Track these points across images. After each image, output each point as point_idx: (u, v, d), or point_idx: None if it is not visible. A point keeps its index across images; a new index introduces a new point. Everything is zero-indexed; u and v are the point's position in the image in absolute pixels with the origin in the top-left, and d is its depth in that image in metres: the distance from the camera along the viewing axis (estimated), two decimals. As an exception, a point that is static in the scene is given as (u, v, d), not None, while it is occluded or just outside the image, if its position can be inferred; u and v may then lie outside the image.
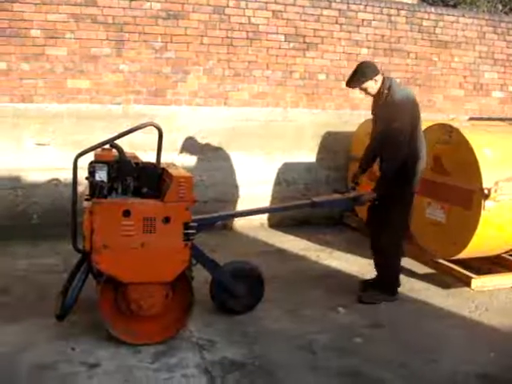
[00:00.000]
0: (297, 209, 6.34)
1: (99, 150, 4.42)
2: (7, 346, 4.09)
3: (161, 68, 7.44)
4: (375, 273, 5.52)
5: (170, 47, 7.44)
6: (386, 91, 5.07)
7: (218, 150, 7.81)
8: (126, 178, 4.22)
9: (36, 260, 6.13)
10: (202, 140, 7.69)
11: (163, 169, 4.40)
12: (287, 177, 8.21)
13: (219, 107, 7.78)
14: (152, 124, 4.35)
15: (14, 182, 6.95)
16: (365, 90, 5.16)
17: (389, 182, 5.05)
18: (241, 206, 7.90)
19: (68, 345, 4.15)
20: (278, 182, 8.17)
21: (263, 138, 8.02)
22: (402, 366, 4.10)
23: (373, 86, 5.10)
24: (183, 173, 4.35)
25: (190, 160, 7.58)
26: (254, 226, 7.89)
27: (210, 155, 7.76)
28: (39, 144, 7.02)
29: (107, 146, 4.32)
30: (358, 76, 5.09)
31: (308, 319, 4.88)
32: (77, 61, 7.07)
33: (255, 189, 7.98)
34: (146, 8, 7.27)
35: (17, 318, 4.57)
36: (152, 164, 4.39)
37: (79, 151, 4.15)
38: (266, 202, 8.06)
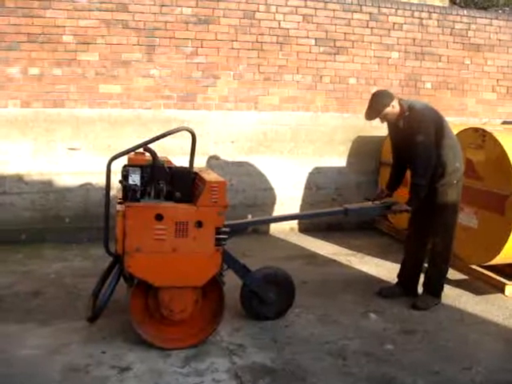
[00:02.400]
0: (329, 215, 6.29)
1: (132, 153, 4.45)
2: (39, 349, 4.13)
3: (191, 73, 7.48)
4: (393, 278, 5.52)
5: (200, 52, 7.47)
6: (407, 113, 5.08)
7: (248, 154, 7.82)
8: (159, 181, 4.22)
9: (67, 263, 6.20)
10: (232, 144, 7.71)
11: (196, 173, 4.40)
12: (317, 181, 8.18)
13: (249, 111, 7.78)
14: (186, 129, 4.35)
15: (46, 186, 7.04)
16: (384, 118, 5.15)
17: (421, 196, 5.05)
18: (271, 211, 7.91)
19: (99, 348, 4.17)
20: (308, 187, 8.14)
21: (293, 142, 8.01)
22: (434, 373, 4.04)
23: (391, 111, 5.09)
24: (216, 177, 4.34)
25: (220, 164, 7.60)
26: (284, 231, 7.88)
27: (240, 159, 7.78)
28: (71, 148, 7.10)
29: (140, 150, 4.35)
30: (376, 106, 5.09)
31: (339, 325, 4.83)
32: (108, 66, 7.14)
33: (285, 193, 7.99)
34: (177, 13, 7.32)
35: (48, 321, 4.61)
36: (185, 168, 4.40)
37: (110, 155, 4.17)
38: (296, 206, 8.05)
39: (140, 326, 4.17)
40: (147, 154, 4.36)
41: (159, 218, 4.02)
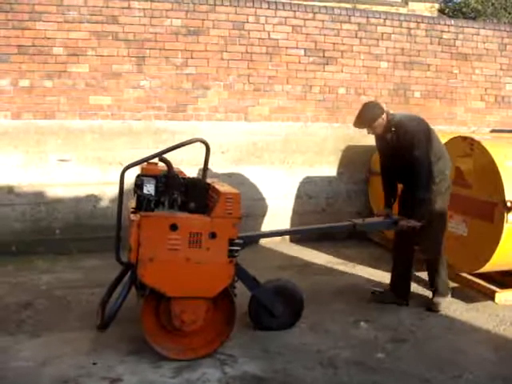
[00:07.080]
0: (337, 230, 6.28)
1: (144, 163, 4.45)
2: (29, 361, 4.12)
3: (181, 84, 7.49)
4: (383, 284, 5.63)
5: (190, 63, 7.50)
6: (393, 128, 5.14)
7: (239, 164, 7.83)
8: (174, 192, 4.25)
9: (58, 275, 6.19)
10: (222, 155, 7.71)
11: (209, 184, 4.43)
12: (308, 190, 8.20)
13: (239, 122, 7.81)
14: (200, 140, 4.35)
15: (37, 198, 7.02)
16: (373, 129, 5.21)
17: (427, 207, 5.12)
18: (262, 220, 7.92)
19: (90, 359, 4.16)
20: (298, 196, 8.16)
21: (284, 152, 8.03)
22: (425, 381, 4.05)
23: (381, 124, 5.16)
24: (230, 189, 4.37)
25: (211, 175, 7.54)
26: (275, 241, 7.84)
27: (231, 170, 7.78)
28: (61, 160, 7.08)
29: (153, 160, 4.37)
30: (368, 116, 5.16)
31: (330, 334, 4.85)
32: (98, 77, 7.15)
33: (276, 203, 7.99)
34: (167, 25, 7.34)
35: (39, 333, 4.60)
36: (199, 179, 4.44)
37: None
38: (286, 216, 8.06)
39: (151, 338, 4.15)
40: (160, 165, 4.38)
41: (174, 228, 4.03)
